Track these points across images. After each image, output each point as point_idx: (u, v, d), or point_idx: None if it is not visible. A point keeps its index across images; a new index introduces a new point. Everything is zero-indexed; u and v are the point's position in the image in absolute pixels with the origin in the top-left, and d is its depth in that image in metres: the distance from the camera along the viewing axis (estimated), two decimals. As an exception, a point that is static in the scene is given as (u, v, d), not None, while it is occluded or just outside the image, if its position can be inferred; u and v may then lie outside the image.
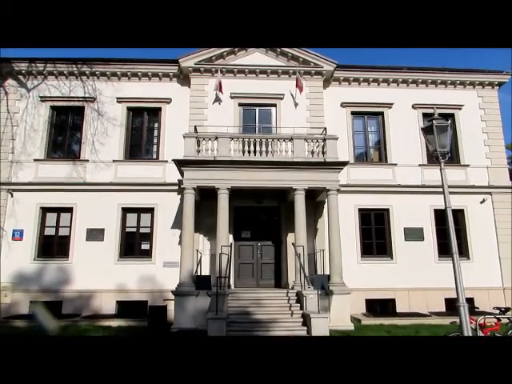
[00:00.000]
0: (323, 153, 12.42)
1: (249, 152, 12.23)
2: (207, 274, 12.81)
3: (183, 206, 11.98)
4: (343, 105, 15.55)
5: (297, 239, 11.79)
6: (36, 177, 14.48)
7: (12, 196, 14.24)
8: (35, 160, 14.61)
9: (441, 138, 6.44)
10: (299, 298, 10.77)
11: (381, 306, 14.22)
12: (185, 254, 11.55)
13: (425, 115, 15.42)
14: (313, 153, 12.48)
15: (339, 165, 12.27)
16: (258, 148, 12.29)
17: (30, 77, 15.24)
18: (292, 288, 11.56)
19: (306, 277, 10.89)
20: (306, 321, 9.63)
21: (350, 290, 11.65)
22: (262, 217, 14.45)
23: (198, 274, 12.11)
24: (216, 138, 12.20)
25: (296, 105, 15.12)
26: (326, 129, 13.19)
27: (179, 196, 14.39)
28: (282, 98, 15.12)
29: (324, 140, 12.44)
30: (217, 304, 9.45)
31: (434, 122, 6.60)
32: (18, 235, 13.98)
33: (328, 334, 9.04)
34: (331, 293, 11.32)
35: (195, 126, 12.98)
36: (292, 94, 15.11)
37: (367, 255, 14.58)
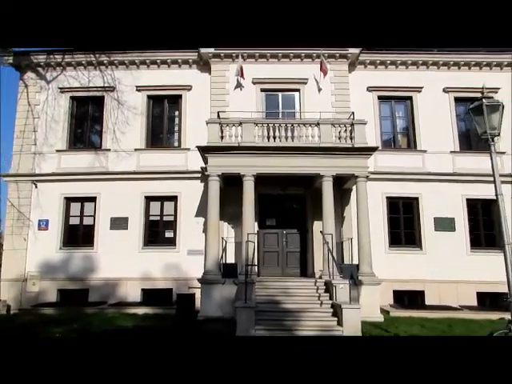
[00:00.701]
0: (351, 138, 12.02)
1: (274, 138, 11.92)
2: (232, 262, 12.65)
3: (208, 193, 11.79)
4: (369, 89, 15.03)
5: (325, 227, 11.49)
6: (59, 167, 14.47)
7: (36, 187, 14.28)
8: (57, 151, 14.59)
9: (491, 119, 6.01)
10: (328, 288, 10.51)
11: (409, 298, 13.83)
12: (210, 242, 11.39)
13: (457, 99, 14.82)
14: (340, 138, 12.09)
15: (368, 150, 11.88)
16: (282, 133, 11.97)
17: (49, 68, 15.15)
18: (320, 277, 11.30)
19: (339, 265, 10.62)
20: (337, 311, 9.37)
21: (379, 281, 11.33)
22: (287, 204, 14.18)
23: (223, 262, 11.93)
24: (240, 124, 11.92)
25: (320, 90, 14.68)
26: (353, 113, 12.76)
27: (202, 184, 14.22)
28: (305, 83, 14.71)
29: (352, 125, 12.04)
30: (246, 292, 9.26)
31: (483, 100, 6.17)
32: (43, 225, 14.04)
33: (360, 326, 8.77)
34: (360, 283, 11.03)
35: (218, 112, 12.72)
36: (316, 79, 14.67)
37: (395, 245, 14.17)
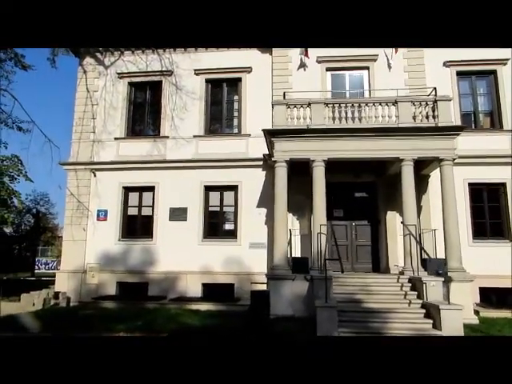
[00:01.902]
0: (434, 117, 10.67)
1: (346, 119, 10.79)
2: (299, 255, 11.68)
3: (274, 180, 10.84)
4: (447, 64, 13.44)
5: (405, 217, 10.25)
6: (117, 155, 14.06)
7: (95, 176, 13.95)
8: (116, 138, 14.18)
9: None
10: (415, 285, 9.30)
11: (497, 296, 12.27)
12: (278, 234, 10.46)
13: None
14: (421, 117, 10.76)
15: (455, 130, 10.49)
16: (356, 114, 10.82)
17: (107, 54, 14.75)
18: (402, 273, 10.08)
19: (429, 259, 9.40)
20: (430, 312, 8.17)
21: (471, 277, 9.96)
22: (356, 194, 13.01)
23: (290, 255, 10.98)
24: (309, 105, 10.87)
25: (390, 67, 13.34)
26: (435, 89, 11.34)
27: (264, 172, 13.34)
28: (374, 60, 13.41)
29: (435, 102, 10.68)
30: (326, 290, 8.26)
31: None
32: (102, 215, 13.70)
33: (462, 329, 7.54)
34: (450, 279, 9.70)
35: (284, 93, 11.71)
36: (386, 55, 13.33)
37: (480, 237, 12.60)
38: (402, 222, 10.42)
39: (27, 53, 16.65)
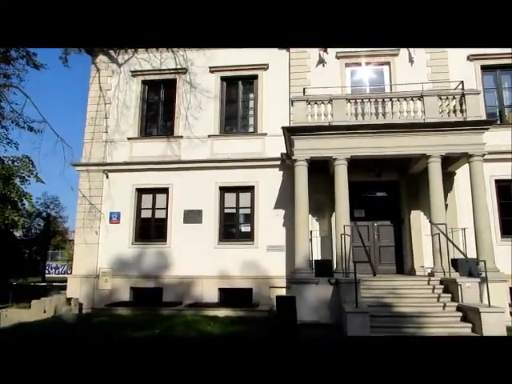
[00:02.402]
0: (462, 111, 10.17)
1: (371, 114, 10.33)
2: (317, 258, 11.19)
3: (295, 180, 10.38)
4: (470, 58, 12.92)
5: (434, 216, 9.75)
6: (130, 156, 13.69)
7: (107, 177, 13.59)
8: (129, 139, 13.82)
9: None
10: (447, 287, 8.78)
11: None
12: (300, 236, 9.99)
13: None
14: (448, 112, 10.26)
15: (484, 124, 9.97)
16: (380, 110, 10.35)
17: (121, 51, 14.42)
18: (432, 275, 9.54)
19: (461, 259, 8.87)
20: (467, 315, 7.65)
21: (506, 277, 9.42)
22: (378, 193, 12.51)
23: (312, 258, 10.51)
24: (330, 101, 10.42)
25: (412, 61, 12.85)
26: (462, 82, 10.84)
27: (281, 172, 12.89)
28: (396, 55, 12.94)
29: (463, 95, 10.18)
30: (356, 294, 7.77)
31: None
32: (115, 218, 13.31)
33: (505, 332, 7.03)
34: (485, 280, 9.14)
35: (304, 89, 11.27)
36: (408, 49, 12.84)
37: (508, 235, 12.02)
38: (430, 221, 9.91)
39: (39, 51, 16.39)
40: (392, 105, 10.33)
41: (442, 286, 8.88)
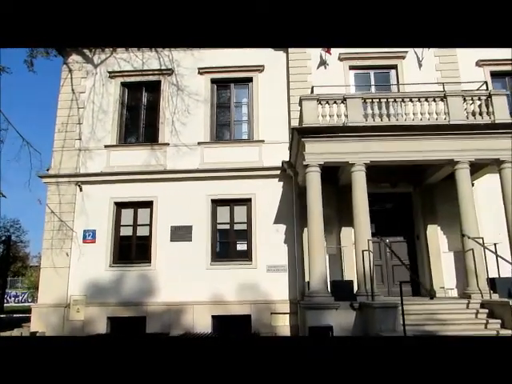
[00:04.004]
0: (488, 113, 9.19)
1: (389, 116, 9.19)
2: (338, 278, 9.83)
3: (307, 188, 9.02)
4: (479, 63, 12.16)
5: (467, 229, 8.57)
6: (108, 166, 12.01)
7: (81, 190, 11.81)
8: (106, 146, 12.16)
9: None
10: (492, 311, 7.53)
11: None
12: (315, 253, 8.58)
13: None
14: (474, 114, 9.27)
15: (515, 127, 8.99)
16: (400, 110, 9.24)
17: (97, 50, 12.86)
18: (469, 296, 8.28)
19: (499, 279, 7.68)
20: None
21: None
22: (388, 206, 11.33)
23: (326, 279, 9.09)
24: (344, 100, 9.23)
25: (421, 65, 11.96)
26: (486, 83, 9.96)
27: (281, 183, 11.56)
28: (403, 58, 12.02)
29: (489, 96, 9.21)
30: (395, 321, 6.39)
31: None
32: (89, 237, 11.50)
33: None
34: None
35: (312, 87, 10.04)
36: (416, 52, 11.97)
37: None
38: (463, 235, 8.67)
39: (2, 51, 14.53)
40: (412, 106, 9.23)
41: (487, 310, 7.63)
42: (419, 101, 9.28)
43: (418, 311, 7.72)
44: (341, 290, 8.33)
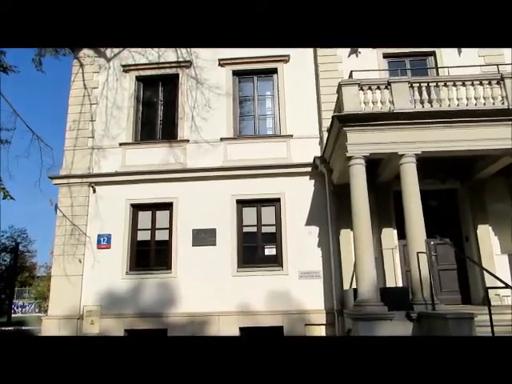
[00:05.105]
0: (554, 97, 8.17)
1: (440, 101, 8.20)
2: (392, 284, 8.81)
3: (351, 183, 8.01)
4: (524, 49, 11.20)
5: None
6: (123, 165, 11.10)
7: (94, 191, 10.90)
8: (121, 144, 11.26)
9: None
10: None
11: None
12: (363, 256, 7.54)
13: None
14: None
15: None
16: (451, 95, 8.24)
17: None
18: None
19: None
20: None
21: None
22: (431, 205, 10.28)
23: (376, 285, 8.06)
24: (388, 85, 8.25)
25: (460, 51, 11.00)
26: (543, 64, 8.94)
27: (313, 181, 10.60)
28: (441, 43, 11.04)
29: (552, 77, 8.20)
30: (470, 334, 5.35)
31: None
32: (104, 242, 10.56)
33: None
34: None
35: (351, 72, 9.06)
36: (455, 37, 10.98)
37: None
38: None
39: (10, 50, 13.75)
40: (466, 90, 8.24)
41: None
42: (472, 84, 8.28)
43: (496, 322, 6.64)
44: (394, 298, 7.29)
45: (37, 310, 29.38)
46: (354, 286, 8.80)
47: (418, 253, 7.35)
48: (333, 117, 8.08)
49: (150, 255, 10.62)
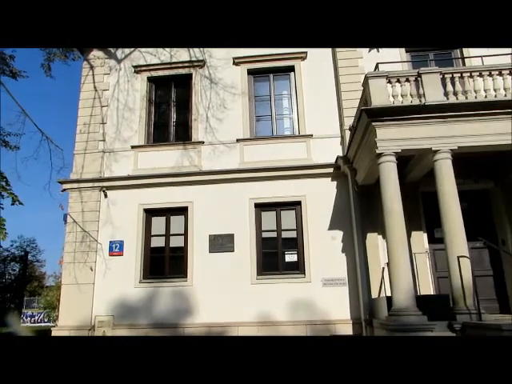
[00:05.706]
0: None
1: (476, 92, 7.62)
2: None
3: (381, 182, 7.43)
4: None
5: None
6: (135, 169, 10.64)
7: (106, 196, 10.43)
8: (133, 147, 10.81)
9: None
10: None
11: None
12: (398, 259, 6.93)
13: None
14: None
15: None
16: (488, 85, 7.67)
17: (120, 44, 11.63)
18: None
19: None
20: None
21: None
22: (463, 206, 9.60)
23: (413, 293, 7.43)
24: (418, 76, 7.70)
25: (488, 45, 10.41)
26: None
27: (335, 183, 10.03)
28: (468, 36, 10.49)
29: None
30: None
31: None
32: (116, 249, 10.06)
33: None
34: None
35: (377, 64, 8.53)
36: (482, 30, 10.44)
37: None
38: None
39: (20, 54, 13.42)
40: (503, 79, 7.66)
41: None
42: (510, 73, 7.70)
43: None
44: (433, 306, 6.67)
45: (46, 320, 29.03)
46: (382, 293, 8.22)
47: (458, 257, 6.73)
48: (360, 111, 7.52)
49: (165, 262, 10.09)
